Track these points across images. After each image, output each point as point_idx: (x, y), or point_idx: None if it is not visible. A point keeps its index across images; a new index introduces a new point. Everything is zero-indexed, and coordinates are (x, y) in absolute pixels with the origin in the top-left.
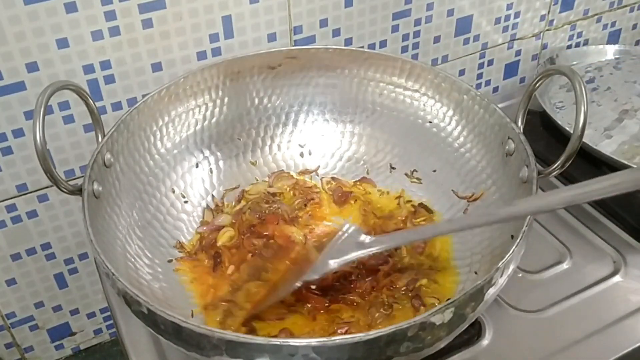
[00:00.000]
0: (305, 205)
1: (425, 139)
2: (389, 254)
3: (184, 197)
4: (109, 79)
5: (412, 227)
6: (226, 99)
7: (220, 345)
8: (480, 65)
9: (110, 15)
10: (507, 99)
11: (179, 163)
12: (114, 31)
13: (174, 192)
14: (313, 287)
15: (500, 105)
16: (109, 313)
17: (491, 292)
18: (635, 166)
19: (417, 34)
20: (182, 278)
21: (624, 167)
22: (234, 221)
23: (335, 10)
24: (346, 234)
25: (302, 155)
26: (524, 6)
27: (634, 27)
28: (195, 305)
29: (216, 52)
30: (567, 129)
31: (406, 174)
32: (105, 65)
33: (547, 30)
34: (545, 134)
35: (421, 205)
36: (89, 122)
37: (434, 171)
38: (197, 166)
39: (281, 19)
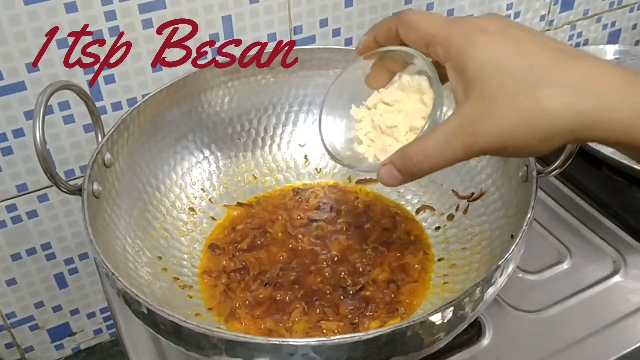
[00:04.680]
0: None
1: None
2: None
3: (183, 196)
4: (109, 79)
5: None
6: (226, 99)
7: (220, 344)
8: None
9: (110, 15)
10: None
11: (179, 163)
12: (114, 31)
13: (174, 192)
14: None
15: None
16: (109, 313)
17: (490, 291)
18: (636, 167)
19: None
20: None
21: (623, 167)
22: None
23: (335, 10)
24: None
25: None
26: (524, 6)
27: (634, 27)
28: (196, 305)
29: (216, 52)
30: None
31: None
32: None
33: (547, 30)
34: None
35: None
36: (89, 122)
37: None
38: (197, 166)
39: (281, 19)
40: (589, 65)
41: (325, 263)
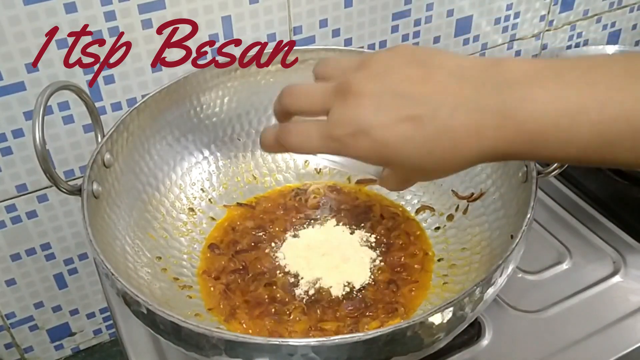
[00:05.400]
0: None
1: None
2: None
3: (183, 197)
4: (109, 79)
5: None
6: (226, 99)
7: (220, 345)
8: None
9: (109, 16)
10: None
11: (179, 163)
12: (114, 31)
13: (173, 192)
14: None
15: None
16: (108, 313)
17: (490, 291)
18: None
19: (416, 35)
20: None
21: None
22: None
23: (335, 10)
24: None
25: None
26: (523, 6)
27: (634, 27)
28: (195, 305)
29: (216, 52)
30: None
31: None
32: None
33: (547, 30)
34: None
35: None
36: (89, 122)
37: None
38: (197, 166)
39: (281, 19)
40: (435, 128)
41: None
